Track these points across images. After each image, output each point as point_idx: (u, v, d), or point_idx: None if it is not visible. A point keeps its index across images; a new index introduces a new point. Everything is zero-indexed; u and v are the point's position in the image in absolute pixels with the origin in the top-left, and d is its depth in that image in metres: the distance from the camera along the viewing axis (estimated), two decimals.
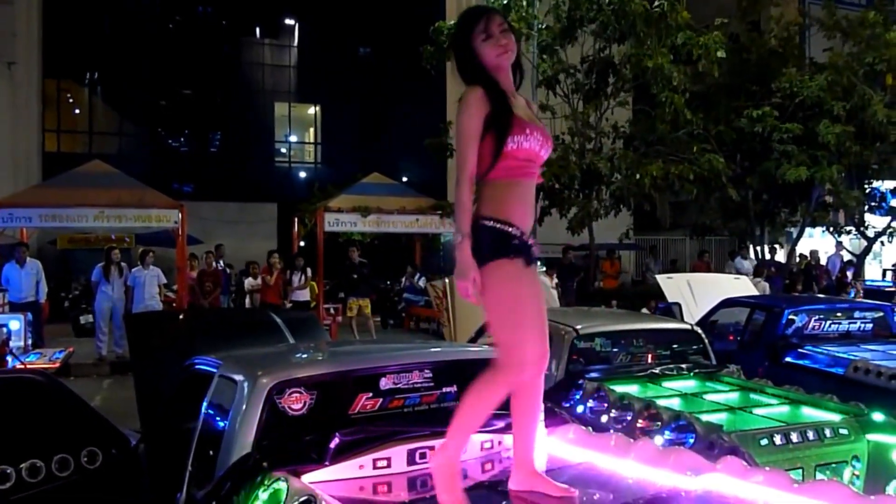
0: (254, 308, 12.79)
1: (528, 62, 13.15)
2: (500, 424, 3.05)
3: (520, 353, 2.49)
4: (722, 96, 14.65)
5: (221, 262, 14.25)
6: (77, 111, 26.85)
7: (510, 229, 2.53)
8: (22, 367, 6.23)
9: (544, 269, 12.78)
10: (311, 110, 29.09)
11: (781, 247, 17.89)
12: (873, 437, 4.19)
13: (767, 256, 16.05)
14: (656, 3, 12.50)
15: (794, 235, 16.53)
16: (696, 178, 12.99)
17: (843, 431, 4.20)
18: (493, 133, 2.54)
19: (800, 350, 6.70)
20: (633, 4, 12.23)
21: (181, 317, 6.91)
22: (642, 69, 12.60)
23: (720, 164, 13.01)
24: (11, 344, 6.83)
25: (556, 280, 12.35)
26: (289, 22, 28.44)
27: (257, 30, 28.30)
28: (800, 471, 3.92)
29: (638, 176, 12.59)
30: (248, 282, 13.84)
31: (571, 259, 14.57)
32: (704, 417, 4.26)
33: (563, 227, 13.69)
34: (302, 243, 16.65)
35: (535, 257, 2.66)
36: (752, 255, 15.62)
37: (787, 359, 6.69)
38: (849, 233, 16.98)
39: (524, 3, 12.78)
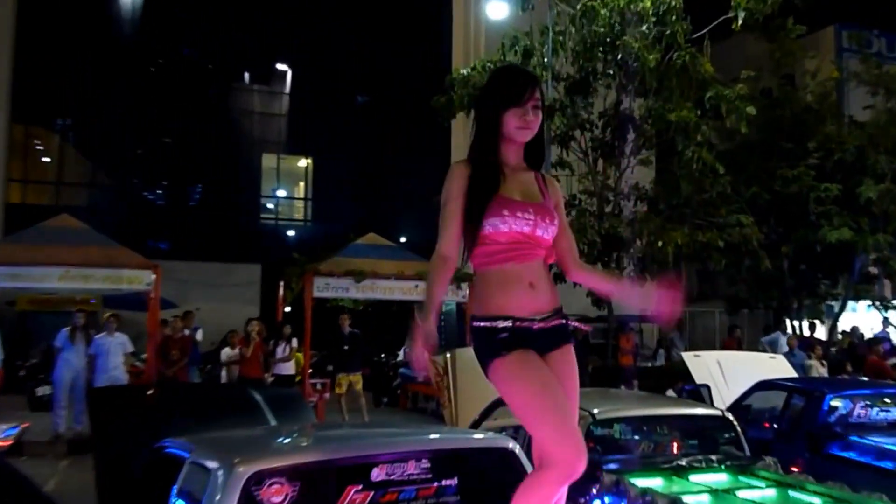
0: (231, 384, 12.65)
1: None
2: None
3: (554, 449, 2.50)
4: (753, 156, 14.81)
5: (196, 331, 14.15)
6: (46, 160, 27.20)
7: (496, 323, 2.56)
8: None
9: None
10: (302, 163, 29.45)
11: (822, 322, 17.82)
12: None
13: (806, 333, 15.96)
14: (676, 55, 12.75)
15: (836, 310, 16.46)
16: (726, 245, 13.02)
17: None
18: (470, 215, 2.60)
19: (844, 440, 6.62)
20: (645, 59, 12.47)
21: (150, 392, 6.85)
22: (665, 124, 12.78)
23: (750, 225, 13.06)
24: None
25: None
26: (281, 67, 29.00)
27: (246, 75, 28.87)
28: None
29: (661, 243, 12.63)
30: (226, 352, 13.74)
31: (586, 333, 14.52)
32: None
33: (580, 294, 13.65)
34: (287, 309, 16.61)
35: (556, 334, 2.63)
36: (788, 330, 15.52)
37: (830, 450, 6.61)
38: None
39: (543, 50, 13.06)
